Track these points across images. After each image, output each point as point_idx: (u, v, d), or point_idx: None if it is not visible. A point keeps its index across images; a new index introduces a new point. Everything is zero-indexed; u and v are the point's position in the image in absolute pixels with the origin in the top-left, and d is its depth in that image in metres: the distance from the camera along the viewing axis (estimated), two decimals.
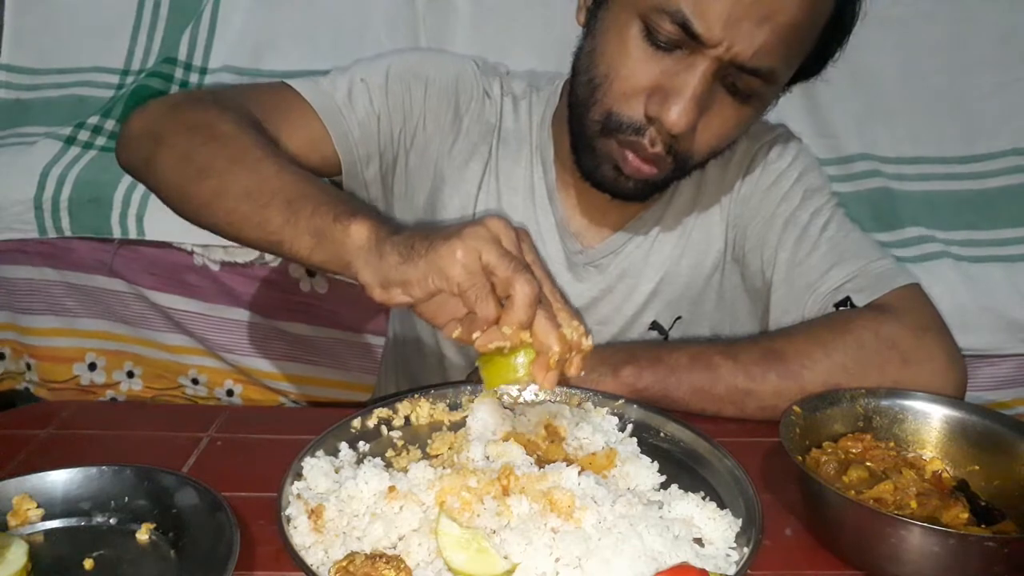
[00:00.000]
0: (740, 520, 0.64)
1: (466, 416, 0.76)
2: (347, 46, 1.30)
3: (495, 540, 0.58)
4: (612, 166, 0.83)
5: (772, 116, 1.31)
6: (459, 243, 0.60)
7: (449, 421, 0.77)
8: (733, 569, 0.58)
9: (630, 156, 0.81)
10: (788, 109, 1.33)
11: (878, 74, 1.33)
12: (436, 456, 0.71)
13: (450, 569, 0.56)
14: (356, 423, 0.75)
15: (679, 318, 0.98)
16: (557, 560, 0.57)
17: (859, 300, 0.86)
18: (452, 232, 0.61)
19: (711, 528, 0.63)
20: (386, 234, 0.64)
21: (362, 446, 0.72)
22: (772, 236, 0.94)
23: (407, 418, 0.78)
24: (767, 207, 0.95)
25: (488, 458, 0.69)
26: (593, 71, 0.82)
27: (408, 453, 0.72)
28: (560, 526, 0.59)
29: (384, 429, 0.76)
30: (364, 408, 0.77)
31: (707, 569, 0.56)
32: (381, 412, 0.77)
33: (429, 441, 0.73)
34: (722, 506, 0.65)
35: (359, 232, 0.65)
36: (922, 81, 1.33)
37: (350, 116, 0.89)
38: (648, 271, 0.96)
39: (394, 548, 0.58)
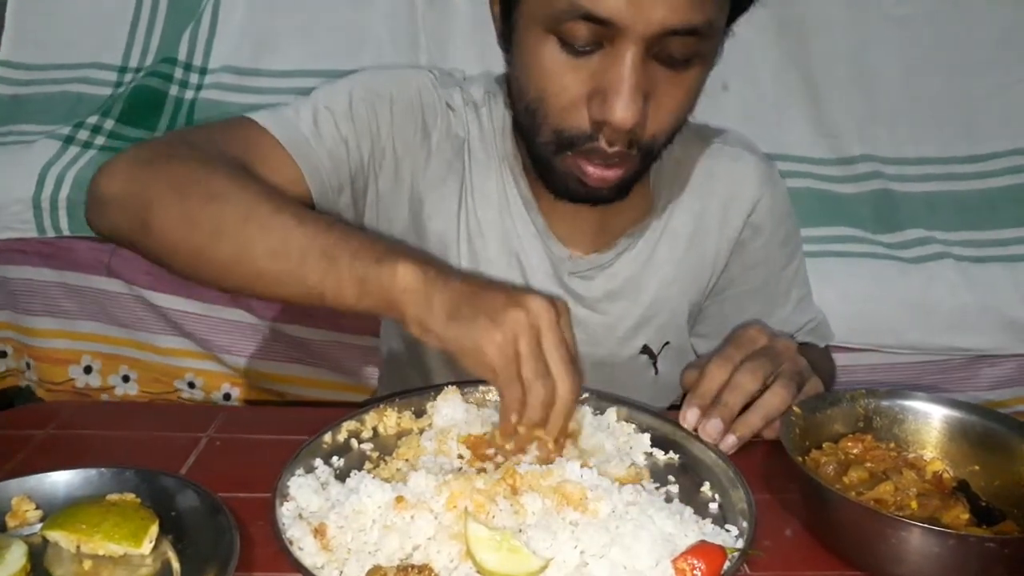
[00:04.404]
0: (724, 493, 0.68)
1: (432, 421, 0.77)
2: (347, 46, 1.30)
3: (521, 539, 0.58)
4: (576, 180, 0.81)
5: (776, 115, 1.32)
6: (498, 330, 0.63)
7: (417, 428, 0.77)
8: (739, 543, 0.61)
9: (590, 169, 0.79)
10: (790, 108, 1.33)
11: (882, 73, 1.32)
12: (404, 459, 0.71)
13: (482, 572, 0.56)
14: (327, 438, 0.74)
15: (667, 343, 0.99)
16: (582, 552, 0.58)
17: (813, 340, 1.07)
18: (495, 307, 0.64)
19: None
20: (432, 279, 0.66)
21: (336, 461, 0.72)
22: (752, 273, 1.02)
23: (375, 429, 0.77)
24: (758, 253, 1.01)
25: (462, 456, 0.70)
26: (526, 98, 0.80)
27: (386, 464, 0.71)
28: (578, 519, 0.60)
29: (354, 443, 0.75)
30: (335, 422, 0.76)
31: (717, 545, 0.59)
32: (349, 425, 0.76)
33: (396, 448, 0.73)
34: (701, 483, 0.70)
35: (406, 274, 0.65)
36: (925, 80, 1.33)
37: (319, 146, 0.84)
38: (642, 295, 0.96)
39: (410, 558, 0.58)
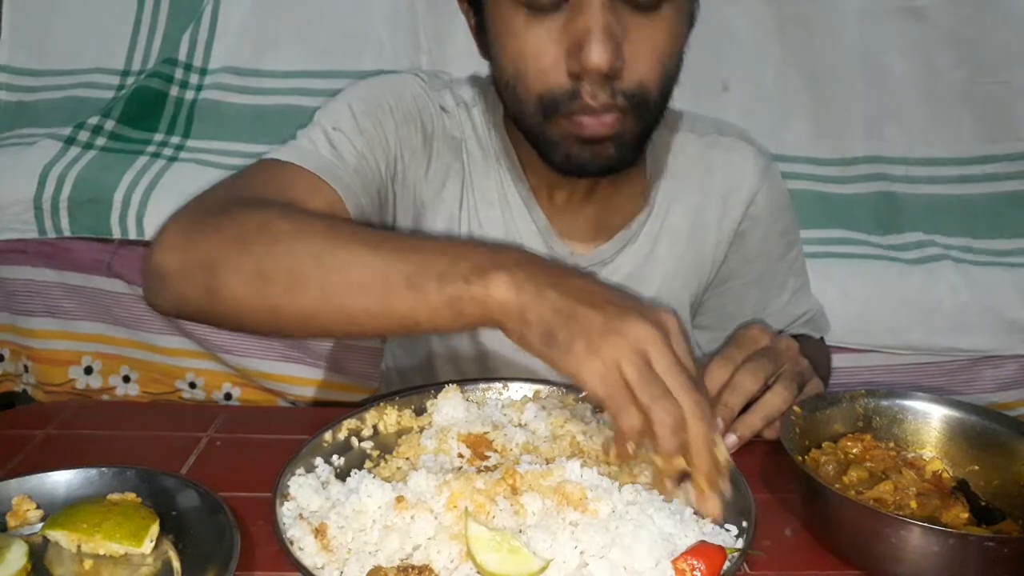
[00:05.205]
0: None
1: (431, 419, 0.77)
2: (347, 46, 1.30)
3: (521, 539, 0.58)
4: (576, 141, 0.79)
5: (777, 113, 1.31)
6: (596, 358, 0.58)
7: (418, 427, 0.77)
8: (739, 543, 0.61)
9: (584, 120, 0.78)
10: (793, 107, 1.32)
11: (894, 69, 1.29)
12: (405, 458, 0.71)
13: (482, 572, 0.56)
14: (328, 436, 0.73)
15: None
16: (582, 553, 0.58)
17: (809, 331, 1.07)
18: (592, 331, 0.59)
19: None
20: (527, 293, 0.61)
21: (336, 460, 0.72)
22: (750, 267, 1.01)
23: (375, 427, 0.77)
24: (756, 245, 1.01)
25: (462, 455, 0.70)
26: (506, 76, 0.80)
27: (387, 462, 0.71)
28: (579, 519, 0.60)
29: (355, 441, 0.75)
30: (335, 420, 0.75)
31: (717, 545, 0.58)
32: (350, 424, 0.76)
33: (396, 446, 0.73)
34: None
35: (498, 289, 0.62)
36: (939, 77, 1.29)
37: (345, 168, 0.84)
38: (644, 290, 0.96)
39: (409, 558, 0.58)
